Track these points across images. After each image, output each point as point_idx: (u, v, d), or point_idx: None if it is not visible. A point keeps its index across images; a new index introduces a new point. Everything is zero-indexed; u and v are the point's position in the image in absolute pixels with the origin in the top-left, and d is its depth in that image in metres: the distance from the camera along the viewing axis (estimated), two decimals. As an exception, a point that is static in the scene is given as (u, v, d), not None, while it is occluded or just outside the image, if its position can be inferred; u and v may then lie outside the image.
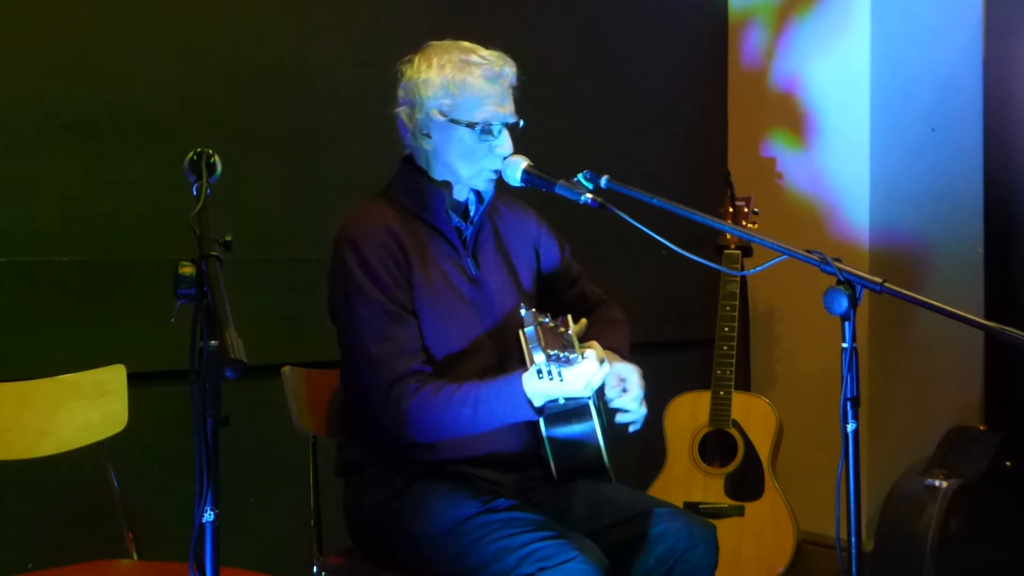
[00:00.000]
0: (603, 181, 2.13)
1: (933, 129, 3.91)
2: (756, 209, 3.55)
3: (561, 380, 1.93)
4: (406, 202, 2.30)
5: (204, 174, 1.75)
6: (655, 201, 2.07)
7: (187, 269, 1.55)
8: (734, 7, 4.12)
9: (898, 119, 3.81)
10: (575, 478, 2.28)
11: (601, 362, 2.01)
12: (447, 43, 2.27)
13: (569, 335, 1.96)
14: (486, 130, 2.21)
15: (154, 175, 2.80)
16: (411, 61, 2.27)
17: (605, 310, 2.50)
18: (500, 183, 2.27)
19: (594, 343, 2.24)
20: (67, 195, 2.71)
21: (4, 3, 2.62)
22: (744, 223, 3.52)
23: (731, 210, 3.56)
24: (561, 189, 2.13)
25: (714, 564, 2.20)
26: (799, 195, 3.91)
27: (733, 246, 3.52)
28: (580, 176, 2.14)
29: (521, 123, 2.26)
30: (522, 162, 2.21)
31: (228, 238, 1.64)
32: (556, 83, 3.56)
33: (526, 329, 1.96)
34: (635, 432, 2.26)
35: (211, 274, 1.54)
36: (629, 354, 2.35)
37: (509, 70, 2.24)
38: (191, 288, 1.55)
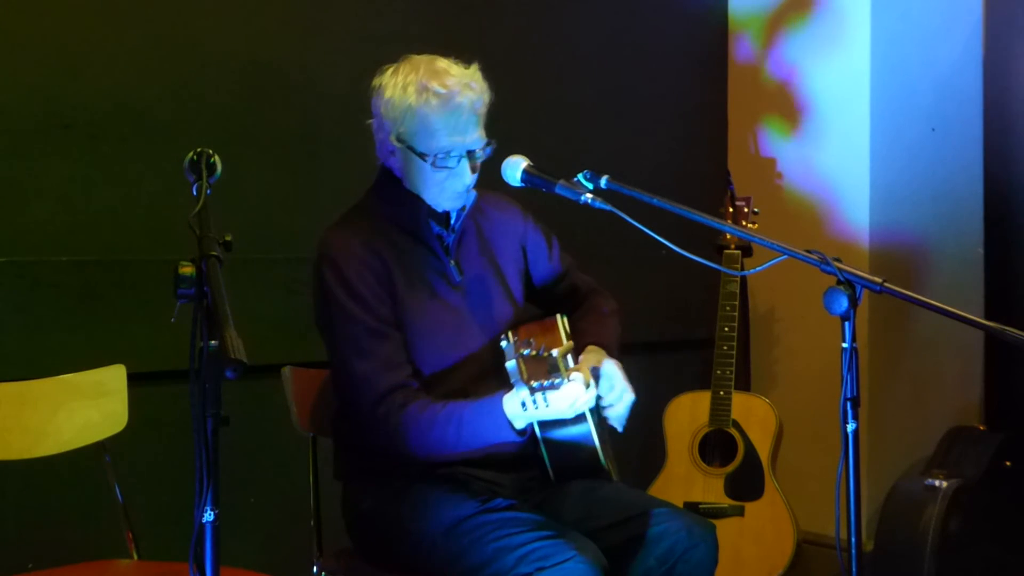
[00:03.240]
0: (603, 181, 2.13)
1: (933, 129, 3.91)
2: (756, 209, 3.55)
3: (547, 405, 1.93)
4: (385, 212, 2.27)
5: (204, 174, 1.75)
6: (655, 201, 2.07)
7: (187, 269, 1.55)
8: (734, 7, 4.11)
9: (898, 119, 3.81)
10: (572, 479, 2.28)
11: (587, 386, 2.01)
12: (421, 60, 2.21)
13: (555, 356, 1.94)
14: (439, 163, 2.18)
15: (154, 175, 2.80)
16: (383, 73, 2.23)
17: (596, 300, 2.47)
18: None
19: (583, 367, 2.19)
20: (67, 195, 2.71)
21: (4, 3, 2.62)
22: (744, 223, 3.52)
23: (731, 210, 3.56)
24: (561, 189, 2.12)
25: (714, 564, 2.19)
26: (799, 195, 3.91)
27: (733, 246, 3.52)
28: (580, 176, 2.13)
29: (489, 150, 2.21)
30: (522, 162, 2.20)
31: (228, 238, 1.64)
32: (556, 83, 3.56)
33: (507, 364, 1.95)
34: (624, 430, 2.23)
35: (211, 274, 1.55)
36: (619, 347, 2.33)
37: (472, 97, 2.17)
38: (191, 288, 1.55)
